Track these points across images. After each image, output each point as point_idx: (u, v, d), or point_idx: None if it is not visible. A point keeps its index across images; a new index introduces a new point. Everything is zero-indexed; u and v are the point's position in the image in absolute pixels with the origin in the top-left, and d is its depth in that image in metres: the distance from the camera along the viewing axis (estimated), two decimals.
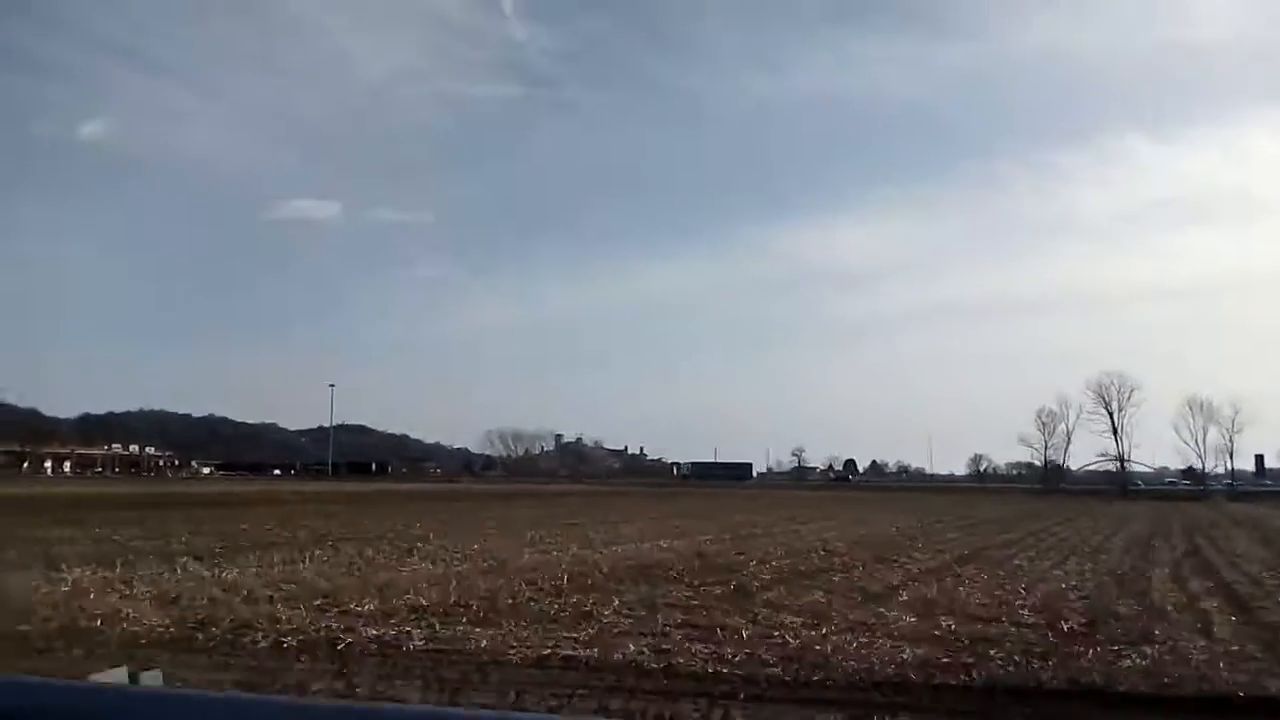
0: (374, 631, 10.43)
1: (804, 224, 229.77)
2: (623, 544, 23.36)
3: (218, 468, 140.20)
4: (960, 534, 30.32)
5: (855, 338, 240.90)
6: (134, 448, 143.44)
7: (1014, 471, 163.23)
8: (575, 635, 10.32)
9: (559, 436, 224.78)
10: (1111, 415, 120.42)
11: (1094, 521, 40.69)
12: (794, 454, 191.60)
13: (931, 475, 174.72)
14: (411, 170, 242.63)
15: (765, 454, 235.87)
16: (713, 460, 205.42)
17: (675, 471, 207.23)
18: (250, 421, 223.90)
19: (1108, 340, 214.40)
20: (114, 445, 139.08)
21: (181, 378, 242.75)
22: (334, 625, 10.71)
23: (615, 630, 10.79)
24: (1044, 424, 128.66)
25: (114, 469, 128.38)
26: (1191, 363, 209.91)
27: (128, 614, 11.14)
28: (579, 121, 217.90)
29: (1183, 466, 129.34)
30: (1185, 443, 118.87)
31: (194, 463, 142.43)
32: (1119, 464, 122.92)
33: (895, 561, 19.69)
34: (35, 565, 15.52)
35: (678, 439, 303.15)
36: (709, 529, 29.96)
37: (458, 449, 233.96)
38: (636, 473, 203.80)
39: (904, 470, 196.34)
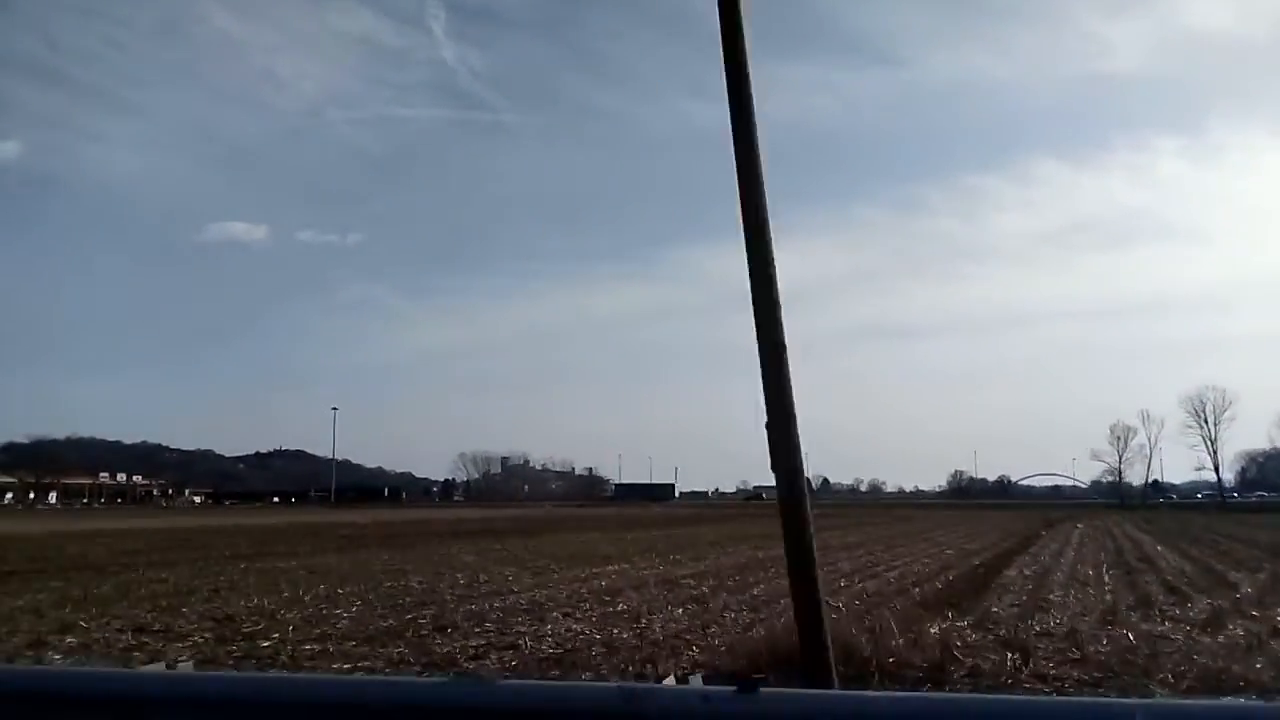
0: None
1: (735, 247, 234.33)
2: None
3: (208, 497, 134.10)
4: None
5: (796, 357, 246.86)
6: (121, 477, 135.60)
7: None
8: None
9: (505, 459, 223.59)
10: (1207, 429, 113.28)
11: None
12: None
13: (902, 493, 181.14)
14: (341, 192, 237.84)
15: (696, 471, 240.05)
16: (644, 482, 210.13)
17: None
18: (186, 448, 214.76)
19: (1032, 358, 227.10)
20: (103, 475, 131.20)
21: (111, 404, 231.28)
22: None
23: None
24: (1118, 439, 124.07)
25: (100, 499, 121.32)
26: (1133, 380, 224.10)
27: None
28: (511, 144, 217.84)
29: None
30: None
31: (186, 491, 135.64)
32: (1216, 479, 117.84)
33: None
34: None
35: (618, 457, 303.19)
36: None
37: (401, 473, 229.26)
38: (593, 492, 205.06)
39: (854, 489, 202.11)
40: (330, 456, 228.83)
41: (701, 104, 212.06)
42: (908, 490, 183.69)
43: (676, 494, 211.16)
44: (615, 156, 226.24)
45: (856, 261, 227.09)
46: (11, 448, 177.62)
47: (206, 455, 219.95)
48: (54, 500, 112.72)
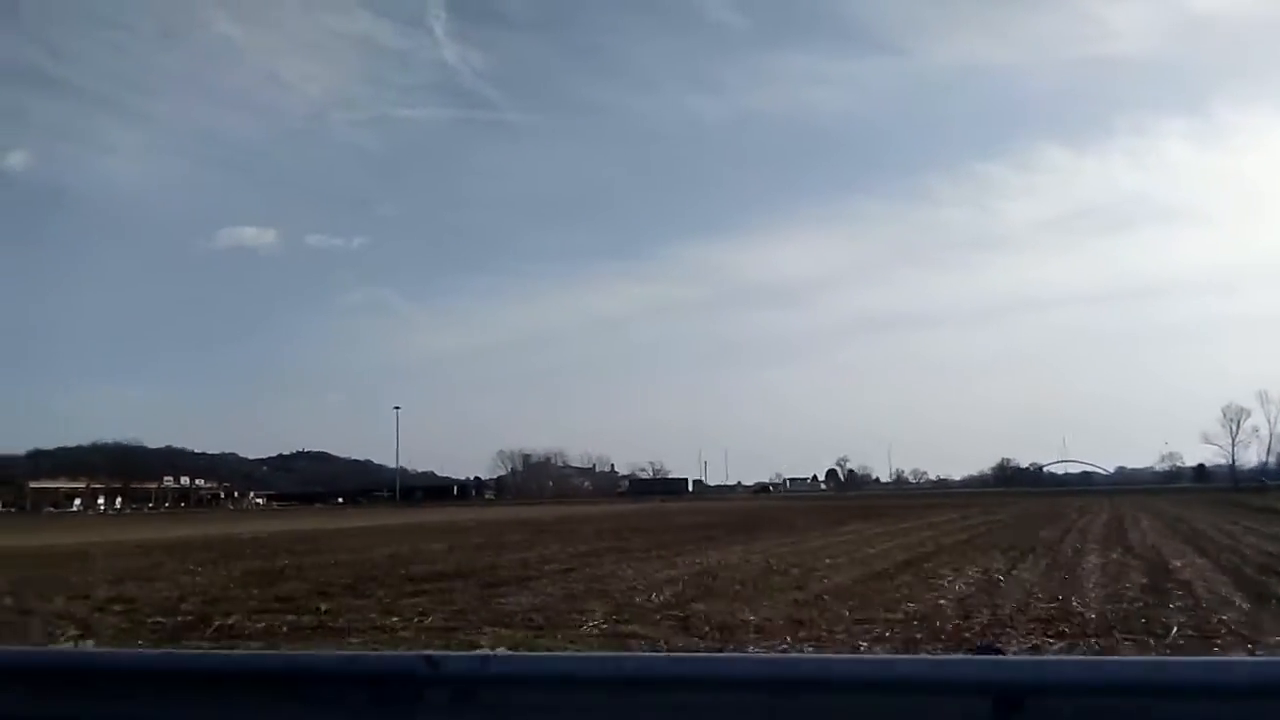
0: None
1: (739, 240, 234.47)
2: None
3: (269, 499, 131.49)
4: None
5: (798, 350, 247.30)
6: (184, 480, 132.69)
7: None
8: None
9: (527, 456, 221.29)
10: None
11: None
12: (839, 463, 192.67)
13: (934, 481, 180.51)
14: (347, 195, 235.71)
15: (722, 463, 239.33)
16: (659, 476, 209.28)
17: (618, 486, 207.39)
18: (209, 451, 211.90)
19: (1046, 345, 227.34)
20: (166, 479, 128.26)
21: (133, 410, 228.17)
22: None
23: None
24: (1230, 421, 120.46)
25: (163, 503, 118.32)
26: (1120, 365, 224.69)
27: None
28: (514, 143, 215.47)
29: None
30: None
31: (251, 494, 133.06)
32: None
33: None
34: None
35: (632, 451, 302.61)
36: None
37: (422, 473, 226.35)
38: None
39: (869, 478, 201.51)
40: (353, 458, 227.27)
41: (703, 97, 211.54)
42: (953, 479, 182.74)
43: (690, 488, 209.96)
44: (619, 152, 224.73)
45: (860, 252, 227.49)
46: (37, 454, 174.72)
47: (229, 458, 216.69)
48: (119, 505, 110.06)
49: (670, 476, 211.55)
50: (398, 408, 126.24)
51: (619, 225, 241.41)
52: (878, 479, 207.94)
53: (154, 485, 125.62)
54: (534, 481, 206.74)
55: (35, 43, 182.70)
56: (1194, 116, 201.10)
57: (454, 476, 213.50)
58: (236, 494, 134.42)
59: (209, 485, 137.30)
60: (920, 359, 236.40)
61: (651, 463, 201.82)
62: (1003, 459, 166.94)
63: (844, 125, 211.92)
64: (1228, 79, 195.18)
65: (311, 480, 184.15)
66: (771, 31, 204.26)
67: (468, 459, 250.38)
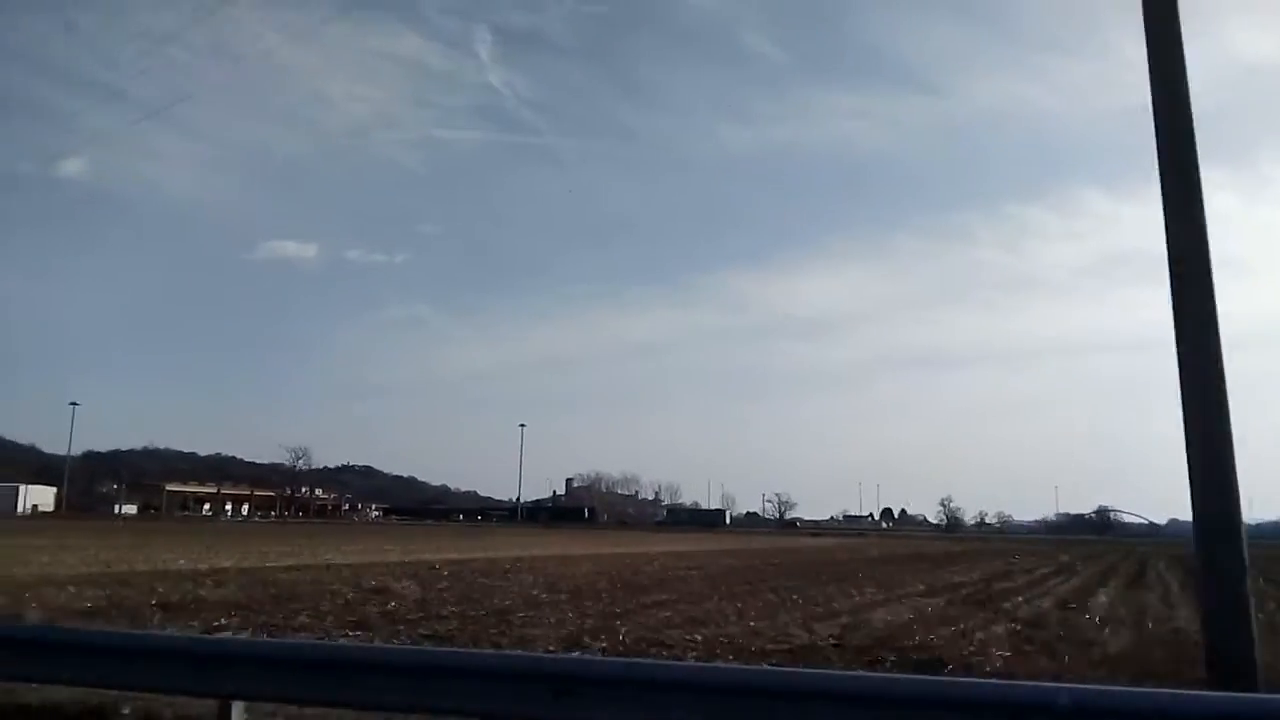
0: None
1: (772, 272, 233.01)
2: None
3: (385, 512, 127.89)
4: None
5: (835, 384, 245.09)
6: (303, 490, 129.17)
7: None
8: None
9: (569, 480, 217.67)
10: None
11: None
12: (942, 503, 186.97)
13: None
14: (389, 212, 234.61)
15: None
16: (695, 507, 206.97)
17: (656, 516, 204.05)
18: (260, 461, 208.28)
19: (1069, 391, 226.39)
20: (300, 488, 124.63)
21: (184, 417, 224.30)
22: None
23: None
24: None
25: (284, 512, 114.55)
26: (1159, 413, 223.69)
27: None
28: (555, 167, 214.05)
29: None
30: None
31: (374, 506, 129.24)
32: None
33: None
34: None
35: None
36: None
37: (465, 492, 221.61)
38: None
39: (916, 519, 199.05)
40: (399, 474, 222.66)
41: (741, 129, 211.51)
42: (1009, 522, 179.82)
43: (728, 520, 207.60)
44: (658, 180, 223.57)
45: (897, 289, 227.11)
46: (90, 455, 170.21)
47: (276, 469, 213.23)
48: (239, 511, 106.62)
49: (710, 508, 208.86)
50: (523, 425, 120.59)
51: (657, 251, 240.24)
52: (925, 519, 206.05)
53: (274, 494, 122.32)
54: (581, 505, 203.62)
55: (92, 54, 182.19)
56: (1239, 168, 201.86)
57: (495, 497, 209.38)
58: (360, 505, 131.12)
59: (326, 496, 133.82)
60: (958, 399, 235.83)
61: (778, 494, 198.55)
62: (1100, 506, 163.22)
63: (881, 161, 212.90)
64: (1274, 131, 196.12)
65: (360, 495, 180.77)
66: (810, 66, 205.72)
67: (505, 479, 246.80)
